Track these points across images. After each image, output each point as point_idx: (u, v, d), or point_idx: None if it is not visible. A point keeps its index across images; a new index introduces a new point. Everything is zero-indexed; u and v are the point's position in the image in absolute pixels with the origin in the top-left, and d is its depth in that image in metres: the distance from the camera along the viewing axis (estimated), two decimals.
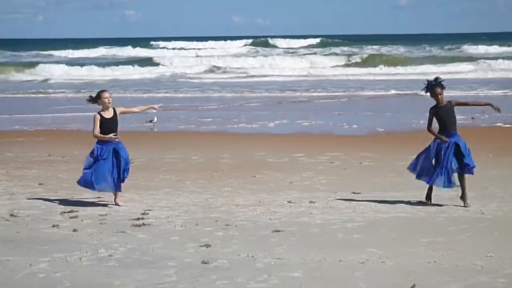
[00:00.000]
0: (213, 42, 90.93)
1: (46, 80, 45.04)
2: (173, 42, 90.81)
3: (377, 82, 40.43)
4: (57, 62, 56.66)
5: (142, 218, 9.98)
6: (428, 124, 10.70)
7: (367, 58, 57.63)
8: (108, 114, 10.99)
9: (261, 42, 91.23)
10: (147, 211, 10.45)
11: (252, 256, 8.00)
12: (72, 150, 16.82)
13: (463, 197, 10.64)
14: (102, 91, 11.18)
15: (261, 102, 30.24)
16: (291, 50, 75.62)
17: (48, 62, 57.09)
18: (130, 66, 54.15)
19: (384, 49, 73.23)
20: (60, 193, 12.06)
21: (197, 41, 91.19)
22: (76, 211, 10.54)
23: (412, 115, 23.45)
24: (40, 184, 13.01)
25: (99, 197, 11.52)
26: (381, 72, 48.69)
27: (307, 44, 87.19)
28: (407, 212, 10.31)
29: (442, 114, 10.60)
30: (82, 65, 55.10)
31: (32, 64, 54.27)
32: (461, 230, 9.14)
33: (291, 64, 55.17)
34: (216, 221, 9.81)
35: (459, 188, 10.70)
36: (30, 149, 17.53)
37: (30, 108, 28.56)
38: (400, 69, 49.89)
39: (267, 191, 12.09)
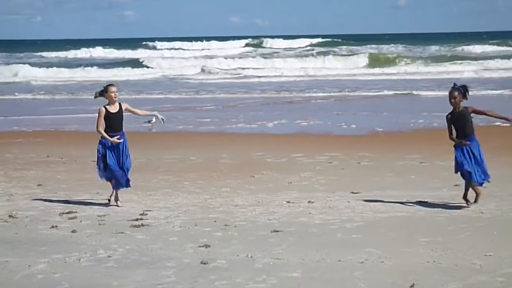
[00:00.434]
0: (212, 42, 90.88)
1: (29, 81, 44.53)
2: (171, 42, 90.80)
3: (376, 81, 40.38)
4: (47, 64, 56.33)
5: (141, 219, 9.99)
6: (449, 132, 10.58)
7: (366, 58, 57.57)
8: (114, 109, 10.88)
9: (259, 42, 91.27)
10: (145, 212, 10.45)
11: (251, 257, 8.00)
12: (70, 151, 16.80)
13: (464, 196, 10.64)
14: (109, 85, 11.06)
15: (258, 103, 30.22)
16: (289, 50, 75.59)
17: (35, 64, 56.39)
18: (128, 68, 53.91)
19: (383, 49, 73.27)
20: (58, 194, 12.06)
21: (196, 41, 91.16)
22: (75, 212, 10.54)
23: (411, 114, 23.46)
24: (38, 185, 13.00)
25: (98, 194, 11.51)
26: (380, 72, 48.65)
27: (305, 44, 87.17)
28: (406, 211, 10.31)
29: (458, 119, 10.59)
30: (78, 65, 54.73)
31: (20, 67, 53.32)
32: (460, 229, 9.15)
33: (289, 64, 55.11)
34: (215, 221, 9.82)
35: (462, 187, 10.70)
36: (29, 150, 17.50)
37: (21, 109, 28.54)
38: (399, 69, 49.86)
39: (266, 191, 12.08)
